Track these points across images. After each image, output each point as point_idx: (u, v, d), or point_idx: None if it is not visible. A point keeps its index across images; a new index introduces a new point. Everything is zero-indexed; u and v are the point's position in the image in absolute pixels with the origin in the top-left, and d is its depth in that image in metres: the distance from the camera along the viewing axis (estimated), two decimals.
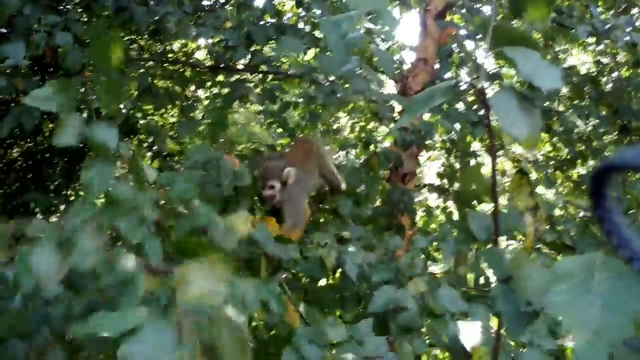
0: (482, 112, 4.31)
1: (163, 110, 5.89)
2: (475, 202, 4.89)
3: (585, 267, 0.92)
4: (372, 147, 4.00)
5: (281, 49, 3.75)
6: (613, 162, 0.84)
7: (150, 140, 6.06)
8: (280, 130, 4.76)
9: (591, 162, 5.00)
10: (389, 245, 2.87)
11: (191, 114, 4.68)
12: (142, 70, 4.24)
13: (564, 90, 5.16)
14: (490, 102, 1.11)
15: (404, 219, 3.87)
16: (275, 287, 2.10)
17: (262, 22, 4.04)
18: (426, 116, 4.64)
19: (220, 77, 4.83)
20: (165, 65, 4.82)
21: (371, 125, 5.51)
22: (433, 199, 5.33)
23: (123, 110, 3.83)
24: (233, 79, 4.54)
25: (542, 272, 1.06)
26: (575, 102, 4.91)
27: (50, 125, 6.26)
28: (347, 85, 3.64)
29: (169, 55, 4.89)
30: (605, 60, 5.63)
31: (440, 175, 5.12)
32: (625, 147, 4.58)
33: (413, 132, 3.75)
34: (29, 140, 6.39)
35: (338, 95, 3.57)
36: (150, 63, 4.72)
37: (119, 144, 1.88)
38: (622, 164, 0.84)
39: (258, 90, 4.41)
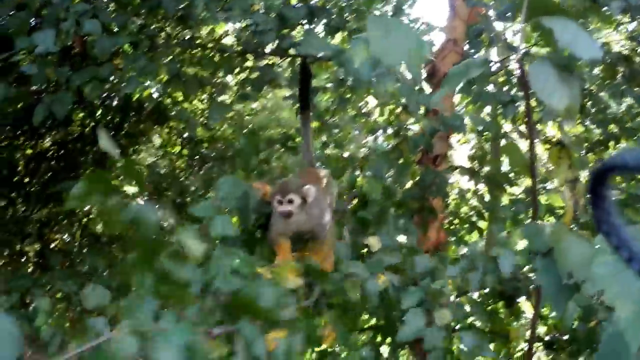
0: (513, 91, 4.27)
1: (192, 97, 5.90)
2: (506, 184, 4.88)
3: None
4: (401, 132, 3.96)
5: (305, 47, 3.74)
6: (613, 163, 0.82)
7: (181, 127, 6.10)
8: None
9: (624, 144, 4.93)
10: (415, 268, 2.81)
11: (220, 100, 4.67)
12: (170, 57, 4.24)
13: (596, 70, 5.08)
14: (528, 72, 1.08)
15: (435, 202, 3.85)
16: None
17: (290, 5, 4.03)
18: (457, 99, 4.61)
19: (249, 63, 4.82)
20: (193, 51, 4.83)
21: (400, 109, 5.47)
22: (464, 182, 5.29)
23: (154, 96, 3.84)
24: (262, 63, 4.53)
25: (584, 244, 1.04)
26: (608, 82, 4.82)
27: (81, 115, 6.33)
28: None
29: (197, 42, 4.88)
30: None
31: (471, 158, 5.08)
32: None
33: (443, 122, 3.73)
34: (60, 129, 6.46)
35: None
36: (179, 49, 4.73)
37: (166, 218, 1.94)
38: (621, 165, 0.81)
39: (287, 74, 4.39)
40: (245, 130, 6.45)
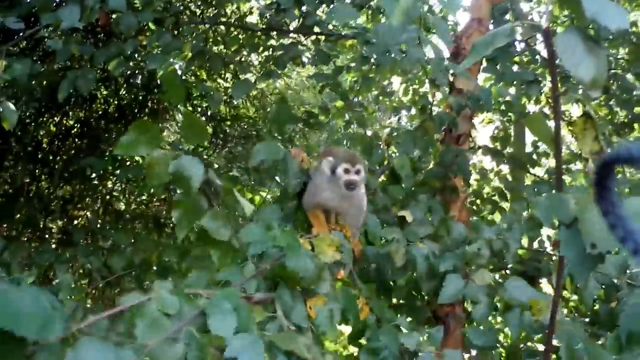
0: (538, 71, 4.24)
1: (216, 75, 5.91)
2: (529, 165, 4.86)
3: None
4: (427, 111, 3.94)
5: (335, 17, 3.72)
6: (618, 155, 0.84)
7: (204, 105, 6.11)
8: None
9: None
10: (452, 234, 2.81)
11: (244, 77, 4.67)
12: (194, 34, 4.24)
13: (622, 52, 5.03)
14: (556, 42, 1.08)
15: (457, 180, 3.84)
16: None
17: None
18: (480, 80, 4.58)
19: (273, 41, 4.82)
20: (217, 29, 4.84)
21: (425, 88, 5.43)
22: (487, 162, 5.28)
23: (179, 72, 3.84)
24: (286, 41, 4.52)
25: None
26: (634, 63, 4.76)
27: (105, 92, 6.37)
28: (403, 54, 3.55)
29: (222, 20, 4.88)
30: None
31: (494, 139, 5.05)
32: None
33: (469, 97, 3.71)
34: (84, 107, 6.50)
35: (392, 55, 3.50)
36: (203, 27, 4.74)
37: (213, 178, 1.96)
38: (627, 157, 0.83)
39: (310, 52, 4.38)
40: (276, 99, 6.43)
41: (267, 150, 2.52)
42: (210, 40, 4.91)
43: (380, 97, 5.43)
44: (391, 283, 2.87)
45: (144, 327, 1.74)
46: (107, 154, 5.85)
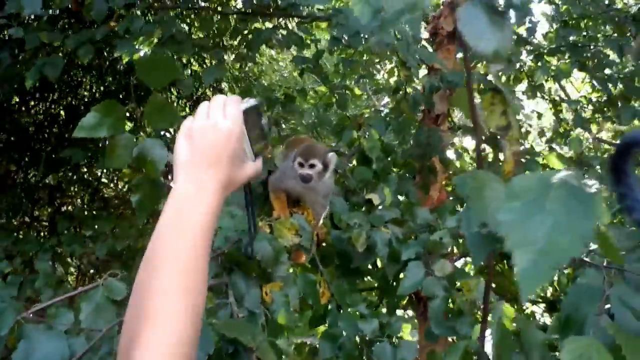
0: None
1: (194, 60, 5.90)
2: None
3: (543, 184, 0.87)
4: (401, 92, 3.88)
5: (305, 0, 3.69)
6: (634, 138, 0.85)
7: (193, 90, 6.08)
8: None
9: (636, 103, 4.82)
10: (417, 219, 2.78)
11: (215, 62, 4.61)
12: (165, 19, 4.19)
13: (607, 28, 4.99)
14: (457, 15, 1.05)
15: (436, 161, 3.80)
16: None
17: None
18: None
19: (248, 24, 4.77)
20: (190, 13, 4.81)
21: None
22: (468, 142, 5.23)
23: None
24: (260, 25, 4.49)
25: (502, 191, 1.01)
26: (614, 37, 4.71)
27: (91, 78, 6.35)
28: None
29: (195, 3, 4.85)
30: None
31: None
32: None
33: (442, 78, 3.66)
34: (70, 94, 6.49)
35: (364, 35, 3.47)
36: (176, 11, 4.70)
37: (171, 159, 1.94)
38: None
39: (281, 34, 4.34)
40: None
41: None
42: (184, 25, 4.88)
43: (361, 80, 5.36)
44: (359, 267, 2.83)
45: (88, 313, 1.75)
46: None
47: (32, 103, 6.43)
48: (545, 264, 0.78)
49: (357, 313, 2.28)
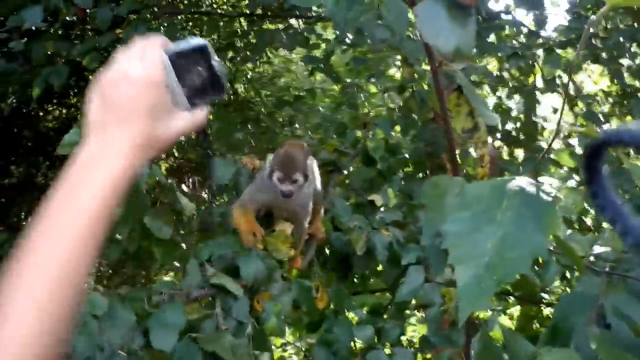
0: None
1: None
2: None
3: (497, 192, 0.81)
4: (408, 90, 3.82)
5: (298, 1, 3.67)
6: (607, 137, 0.81)
7: None
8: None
9: None
10: (419, 221, 2.70)
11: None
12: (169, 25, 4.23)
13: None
14: (416, 11, 1.00)
15: (445, 159, 3.74)
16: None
17: None
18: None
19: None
20: (195, 17, 4.84)
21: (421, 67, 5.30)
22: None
23: None
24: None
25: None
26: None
27: None
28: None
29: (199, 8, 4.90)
30: None
31: None
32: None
33: (447, 75, 3.59)
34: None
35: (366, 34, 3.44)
36: (182, 17, 4.74)
37: (156, 173, 1.95)
38: (616, 140, 0.81)
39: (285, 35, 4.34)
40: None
41: (222, 166, 2.46)
42: (188, 29, 4.90)
43: (372, 79, 5.32)
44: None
45: None
46: None
47: (50, 108, 6.55)
48: (489, 280, 0.72)
49: (355, 318, 2.26)
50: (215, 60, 0.99)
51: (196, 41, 0.99)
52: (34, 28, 3.62)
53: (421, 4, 1.00)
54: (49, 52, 3.88)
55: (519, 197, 0.79)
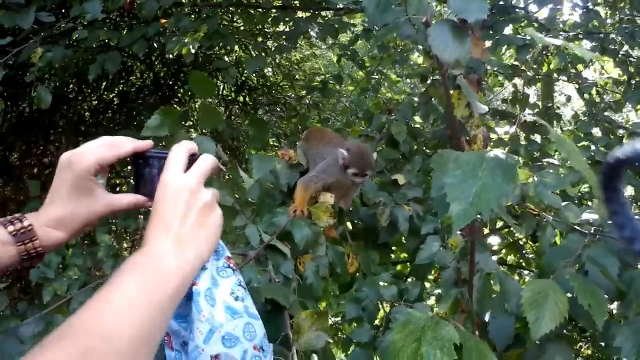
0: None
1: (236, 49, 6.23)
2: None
3: (479, 159, 1.19)
4: (429, 79, 4.06)
5: None
6: (625, 155, 0.84)
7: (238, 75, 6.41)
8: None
9: None
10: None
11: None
12: (208, 16, 4.51)
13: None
14: (428, 32, 1.35)
15: (463, 141, 4.02)
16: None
17: None
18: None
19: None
20: (232, 9, 5.11)
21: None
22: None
23: (192, 52, 4.17)
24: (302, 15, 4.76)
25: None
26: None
27: (142, 66, 6.75)
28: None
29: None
30: None
31: (505, 101, 5.20)
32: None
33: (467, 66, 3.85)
34: (122, 81, 6.91)
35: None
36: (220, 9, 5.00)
37: (220, 154, 2.26)
38: (635, 158, 0.84)
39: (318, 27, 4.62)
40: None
41: (258, 160, 2.64)
42: (226, 19, 5.16)
43: (396, 66, 5.56)
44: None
45: None
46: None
47: (88, 90, 6.91)
48: (472, 211, 1.13)
49: (380, 283, 2.59)
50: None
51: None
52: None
53: (432, 26, 1.35)
54: (101, 40, 4.18)
55: (494, 161, 1.18)
